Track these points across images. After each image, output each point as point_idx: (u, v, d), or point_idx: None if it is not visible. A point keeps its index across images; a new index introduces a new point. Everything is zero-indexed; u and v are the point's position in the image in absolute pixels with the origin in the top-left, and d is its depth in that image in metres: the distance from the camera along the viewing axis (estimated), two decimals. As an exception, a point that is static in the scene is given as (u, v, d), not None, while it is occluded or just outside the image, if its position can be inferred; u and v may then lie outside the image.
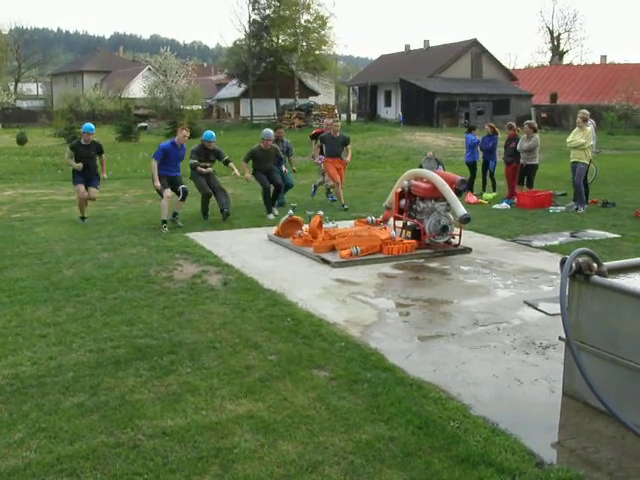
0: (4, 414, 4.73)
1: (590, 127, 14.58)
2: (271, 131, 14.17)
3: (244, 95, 60.65)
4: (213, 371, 5.49)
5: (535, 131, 15.52)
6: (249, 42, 55.43)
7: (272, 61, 55.82)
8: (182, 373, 5.46)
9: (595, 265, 4.75)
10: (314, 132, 17.20)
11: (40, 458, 4.14)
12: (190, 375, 5.41)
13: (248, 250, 10.20)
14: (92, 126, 12.82)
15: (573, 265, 4.71)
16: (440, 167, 14.95)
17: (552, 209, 14.33)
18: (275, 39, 55.55)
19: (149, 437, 4.39)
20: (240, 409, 4.80)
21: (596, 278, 4.73)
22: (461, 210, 9.80)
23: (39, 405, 4.86)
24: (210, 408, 4.82)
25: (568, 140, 14.49)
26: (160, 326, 6.60)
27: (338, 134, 14.57)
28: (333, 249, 9.70)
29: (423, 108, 52.76)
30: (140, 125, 47.51)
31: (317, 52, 56.39)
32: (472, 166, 17.80)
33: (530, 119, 45.01)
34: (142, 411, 4.76)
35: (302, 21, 55.77)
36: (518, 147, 15.41)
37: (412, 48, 67.73)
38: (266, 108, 56.42)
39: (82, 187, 12.40)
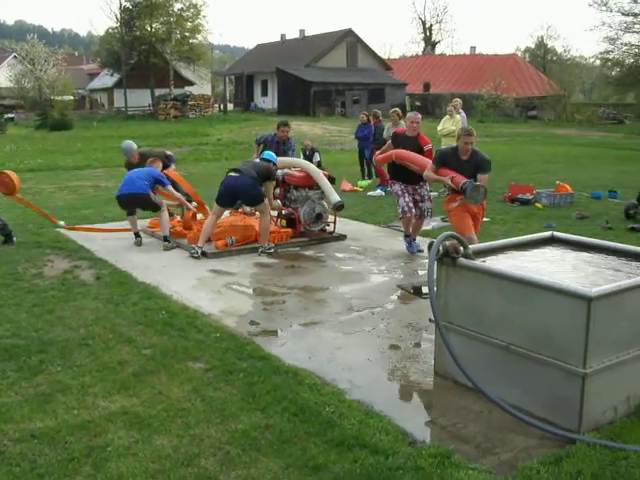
0: None
1: (460, 115, 15.03)
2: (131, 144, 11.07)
3: (118, 85, 58.88)
4: (85, 368, 5.34)
5: (400, 118, 15.70)
6: (121, 30, 53.90)
7: (146, 50, 54.46)
8: (52, 372, 5.27)
9: (461, 248, 4.92)
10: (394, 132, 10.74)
11: None
12: (61, 374, 5.24)
13: (122, 244, 9.92)
14: None
15: (440, 248, 4.85)
16: (316, 154, 15.15)
17: (425, 195, 14.62)
18: (148, 27, 54.24)
19: (15, 441, 4.21)
20: (113, 406, 4.70)
21: (462, 260, 4.90)
22: (334, 197, 9.92)
23: None
24: (82, 407, 4.69)
25: (439, 128, 14.90)
26: (29, 325, 6.35)
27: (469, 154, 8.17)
28: (208, 240, 9.60)
29: (300, 97, 52.97)
30: (7, 116, 45.52)
31: (191, 41, 55.46)
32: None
33: (405, 107, 46.22)
34: (8, 415, 4.56)
35: (175, 9, 54.79)
36: (385, 134, 15.43)
37: (288, 37, 67.81)
38: (140, 99, 55.04)
39: None
